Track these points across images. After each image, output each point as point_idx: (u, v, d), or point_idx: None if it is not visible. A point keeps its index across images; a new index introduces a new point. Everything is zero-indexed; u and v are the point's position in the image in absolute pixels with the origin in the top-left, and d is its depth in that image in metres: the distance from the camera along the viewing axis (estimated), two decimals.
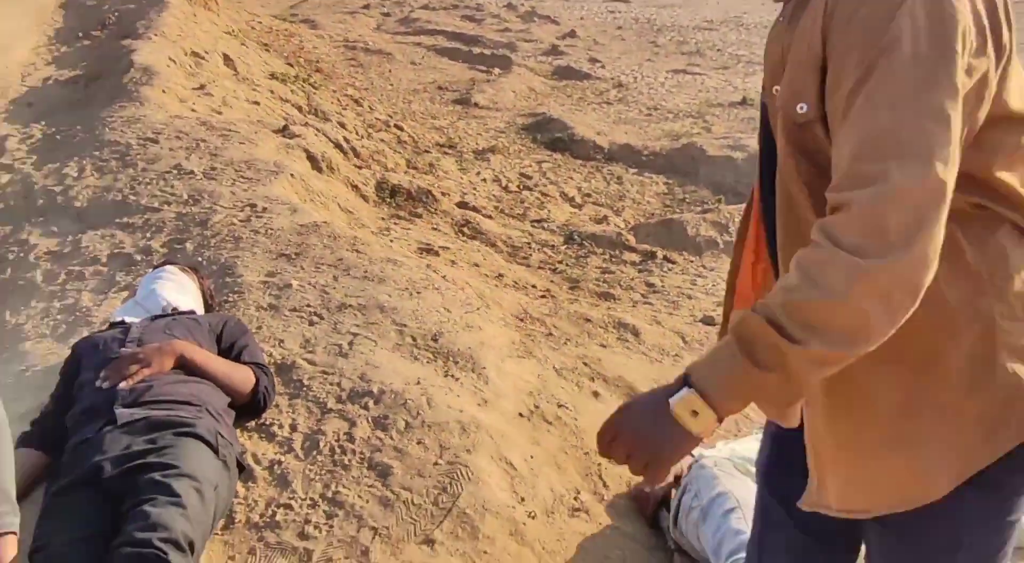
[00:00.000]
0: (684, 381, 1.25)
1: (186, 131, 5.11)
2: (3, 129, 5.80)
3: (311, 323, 3.27)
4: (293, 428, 2.80)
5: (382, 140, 8.33)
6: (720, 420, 1.25)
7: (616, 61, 13.15)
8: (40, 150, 5.38)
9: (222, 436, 2.50)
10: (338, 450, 2.69)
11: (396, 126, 8.86)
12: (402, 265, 3.67)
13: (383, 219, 5.09)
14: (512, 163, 8.46)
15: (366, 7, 18.98)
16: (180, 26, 8.42)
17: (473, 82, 11.98)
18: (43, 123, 5.91)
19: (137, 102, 5.70)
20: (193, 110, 5.93)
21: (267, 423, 2.81)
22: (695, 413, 1.23)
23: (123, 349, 2.66)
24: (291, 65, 11.01)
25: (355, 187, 5.41)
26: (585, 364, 3.55)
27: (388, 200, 5.51)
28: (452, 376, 3.08)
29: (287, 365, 3.03)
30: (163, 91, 5.98)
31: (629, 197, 7.53)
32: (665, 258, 5.04)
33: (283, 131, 5.48)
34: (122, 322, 2.99)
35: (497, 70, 12.67)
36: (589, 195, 7.54)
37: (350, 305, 3.36)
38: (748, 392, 1.24)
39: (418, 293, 3.50)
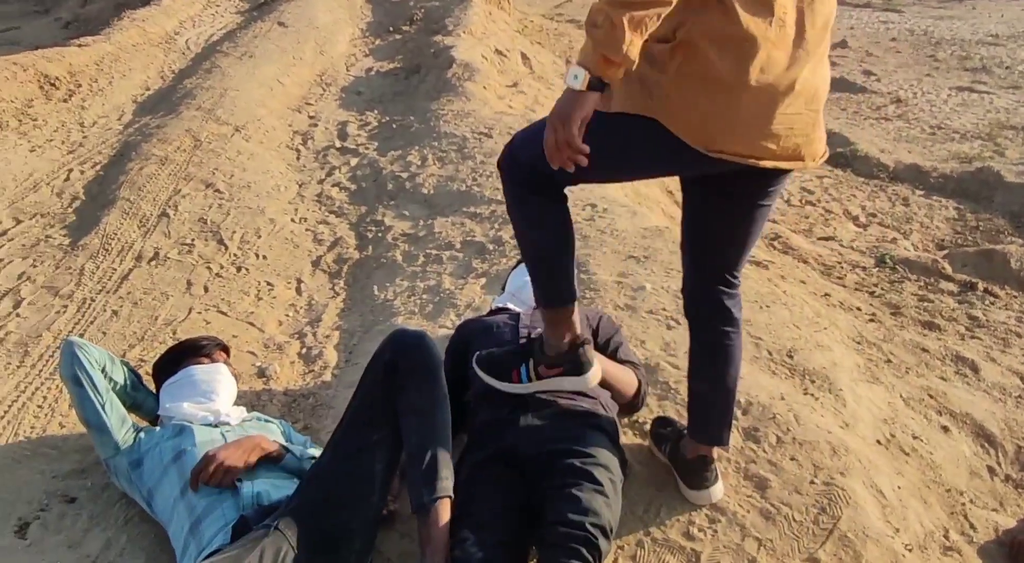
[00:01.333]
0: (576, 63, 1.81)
1: (515, 128, 5.34)
2: (341, 115, 6.28)
3: (668, 327, 3.35)
4: None
5: None
6: (590, 78, 1.77)
7: (892, 74, 12.55)
8: (379, 137, 5.78)
9: (617, 430, 2.62)
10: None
11: None
12: (747, 277, 3.69)
13: None
14: (792, 177, 8.27)
15: None
16: (483, 24, 8.79)
17: None
18: (376, 111, 6.35)
19: (463, 97, 6.01)
20: (510, 107, 6.18)
21: (639, 421, 2.91)
22: (575, 77, 1.78)
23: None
24: (569, 64, 11.24)
25: (670, 192, 5.48)
26: (931, 396, 3.44)
27: None
28: (811, 395, 3.07)
29: (651, 366, 3.12)
30: (484, 87, 6.28)
31: (916, 220, 7.18)
32: (986, 291, 4.79)
33: None
34: (506, 309, 3.17)
35: None
36: (874, 215, 7.25)
37: None
38: (595, 48, 1.74)
39: (767, 307, 3.51)
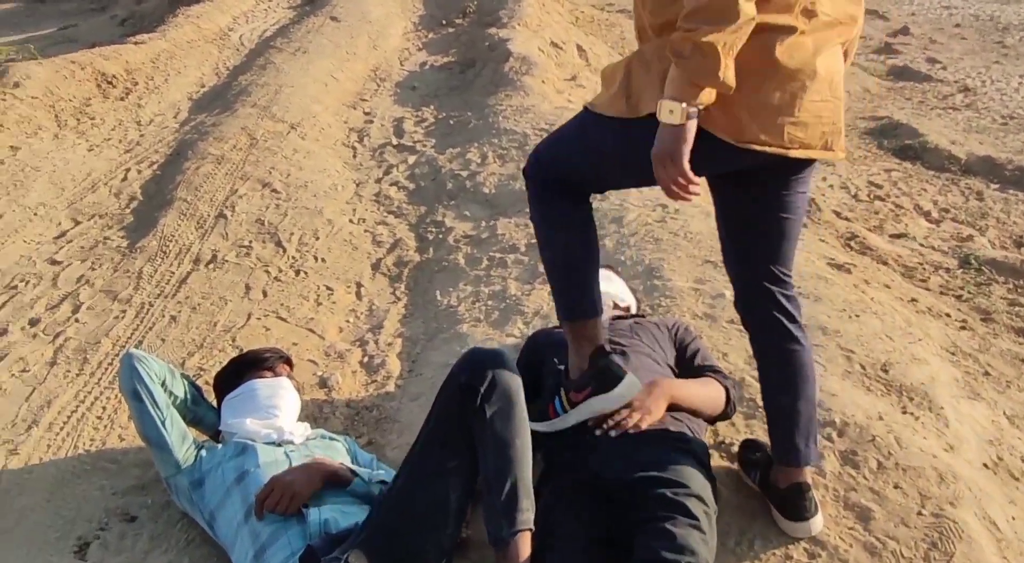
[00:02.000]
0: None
1: None
2: (397, 111, 6.13)
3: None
4: None
5: None
6: (688, 110, 1.75)
7: (958, 62, 12.10)
8: (436, 133, 5.61)
9: (708, 457, 2.42)
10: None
11: None
12: (833, 284, 3.47)
13: None
14: (859, 170, 7.95)
15: None
16: (538, 16, 8.59)
17: None
18: (432, 106, 6.19)
19: (522, 92, 5.82)
20: (570, 101, 5.98)
21: (726, 442, 2.72)
22: (671, 112, 1.76)
23: None
24: (621, 56, 10.99)
25: None
26: None
27: None
28: (911, 414, 2.84)
29: (735, 381, 2.91)
30: (542, 81, 6.09)
31: (992, 215, 6.84)
32: None
33: None
34: None
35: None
36: (947, 210, 6.92)
37: None
38: (689, 78, 1.74)
39: (857, 316, 3.27)
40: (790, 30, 1.83)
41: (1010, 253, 5.17)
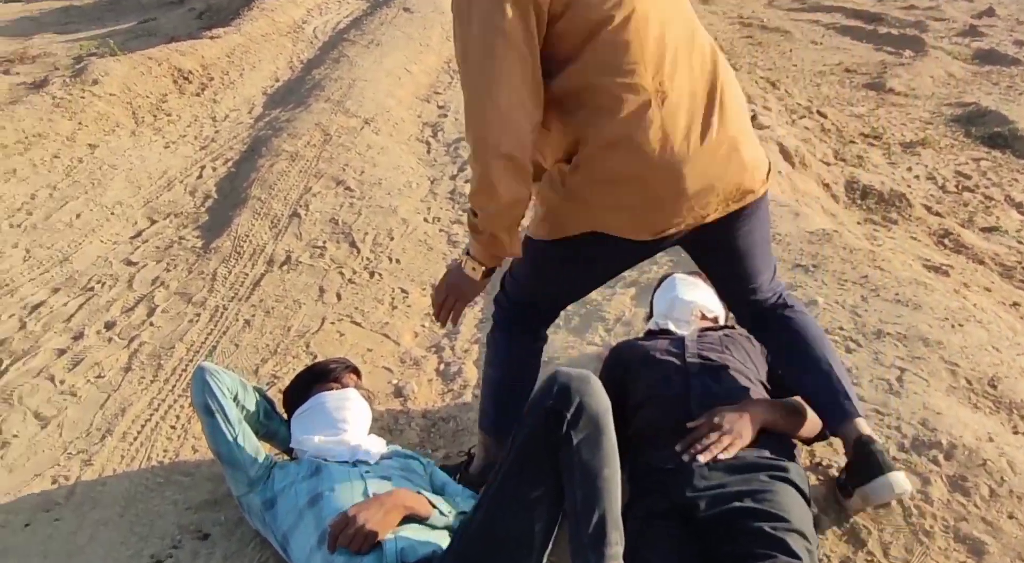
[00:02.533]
0: (466, 252, 2.06)
1: None
2: None
3: (848, 349, 2.92)
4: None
5: (806, 128, 7.79)
6: (486, 270, 2.05)
7: None
8: None
9: (807, 484, 2.23)
10: (915, 511, 2.33)
11: (819, 113, 8.26)
12: (932, 289, 3.22)
13: (860, 224, 4.63)
14: (945, 159, 7.57)
15: None
16: None
17: (884, 65, 10.97)
18: None
19: None
20: None
21: (823, 464, 2.52)
22: (473, 269, 2.04)
23: (697, 412, 2.37)
24: None
25: (826, 185, 4.99)
26: None
27: (859, 202, 5.03)
28: (1023, 433, 2.61)
29: None
30: None
31: None
32: None
33: (751, 121, 5.16)
34: (667, 331, 2.81)
35: (908, 52, 11.53)
36: None
37: (888, 333, 2.97)
38: (483, 249, 1.99)
39: (960, 325, 3.03)
40: (652, 122, 1.85)
41: None
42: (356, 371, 2.78)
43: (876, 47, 12.26)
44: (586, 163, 1.91)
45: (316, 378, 2.68)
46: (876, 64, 11.17)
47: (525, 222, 2.15)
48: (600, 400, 2.05)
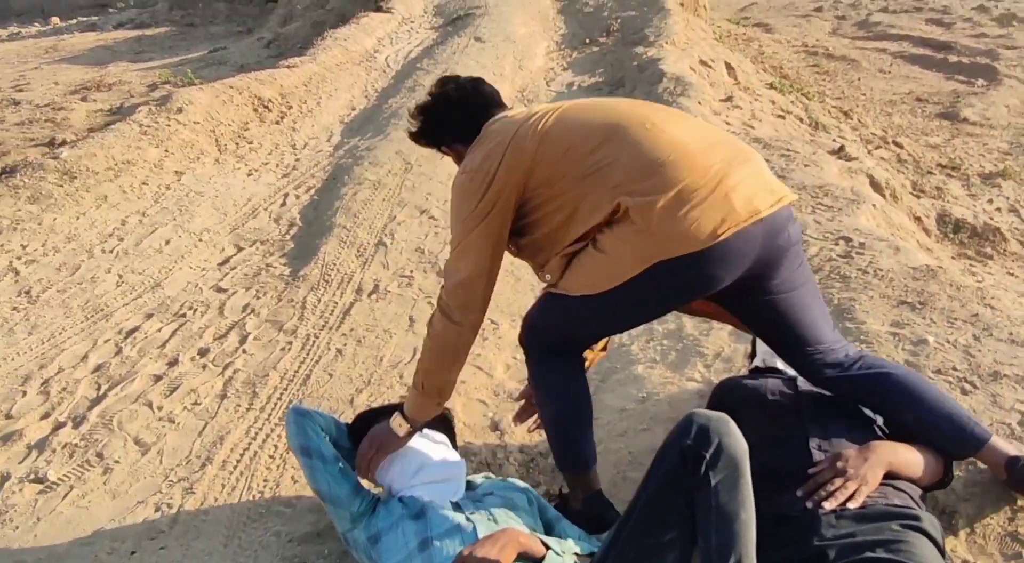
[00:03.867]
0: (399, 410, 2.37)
1: None
2: None
3: (963, 391, 2.80)
4: (974, 520, 2.37)
5: (882, 158, 7.64)
6: (409, 430, 2.37)
7: None
8: None
9: (942, 534, 2.12)
10: None
11: (895, 143, 8.10)
12: None
13: (954, 259, 4.50)
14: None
15: (818, 9, 18.03)
16: (684, 33, 8.30)
17: (956, 94, 10.76)
18: None
19: None
20: (728, 124, 5.69)
21: (948, 511, 2.40)
22: (399, 426, 2.36)
23: (817, 455, 2.28)
24: (763, 71, 10.58)
25: (918, 219, 4.86)
26: None
27: (951, 236, 4.89)
28: None
29: None
30: (699, 102, 5.80)
31: None
32: None
33: (839, 152, 5.06)
34: (775, 370, 2.73)
35: (981, 81, 11.29)
36: None
37: (1005, 375, 2.84)
38: (412, 409, 2.36)
39: None
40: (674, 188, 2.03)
41: None
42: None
43: (947, 76, 12.03)
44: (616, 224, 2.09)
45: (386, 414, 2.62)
46: (948, 93, 10.96)
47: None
48: (739, 442, 1.98)
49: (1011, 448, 2.25)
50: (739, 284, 2.13)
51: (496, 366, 3.55)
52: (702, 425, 1.95)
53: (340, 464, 2.39)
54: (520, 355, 3.56)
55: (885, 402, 2.33)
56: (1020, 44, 13.42)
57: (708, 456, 1.91)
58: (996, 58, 12.52)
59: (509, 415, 3.20)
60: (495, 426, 3.17)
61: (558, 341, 2.39)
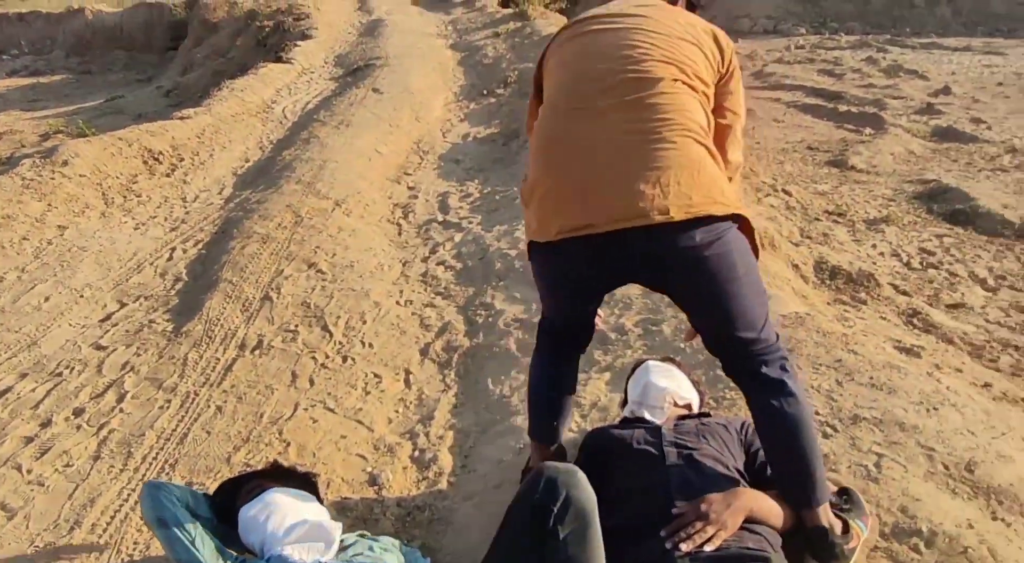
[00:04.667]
0: None
1: None
2: (441, 185, 6.05)
3: (825, 435, 2.96)
4: None
5: (772, 206, 7.96)
6: None
7: (1003, 122, 11.91)
8: (482, 210, 5.52)
9: None
10: None
11: (783, 191, 8.46)
12: (907, 373, 3.28)
13: (830, 304, 4.72)
14: (909, 236, 7.76)
15: None
16: None
17: (845, 143, 11.30)
18: (476, 180, 6.11)
19: None
20: None
21: None
22: None
23: (679, 504, 2.38)
24: None
25: (796, 266, 5.09)
26: None
27: (828, 282, 5.14)
28: (1002, 520, 2.64)
29: None
30: None
31: None
32: None
33: None
34: (642, 419, 2.84)
35: (869, 130, 11.89)
36: (1003, 277, 6.71)
37: (864, 418, 3.02)
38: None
39: (935, 409, 3.09)
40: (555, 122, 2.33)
41: None
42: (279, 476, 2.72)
43: (837, 125, 12.61)
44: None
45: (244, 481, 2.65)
46: (837, 141, 11.49)
47: None
48: (588, 495, 2.08)
49: (825, 519, 2.34)
50: (639, 279, 2.33)
51: (377, 421, 3.59)
52: (550, 478, 2.05)
53: (199, 530, 2.39)
54: (402, 409, 3.63)
55: (762, 426, 2.39)
56: (905, 94, 14.17)
57: (556, 509, 2.00)
58: (883, 108, 13.19)
59: (388, 469, 3.25)
60: (373, 480, 3.20)
61: (543, 320, 2.68)
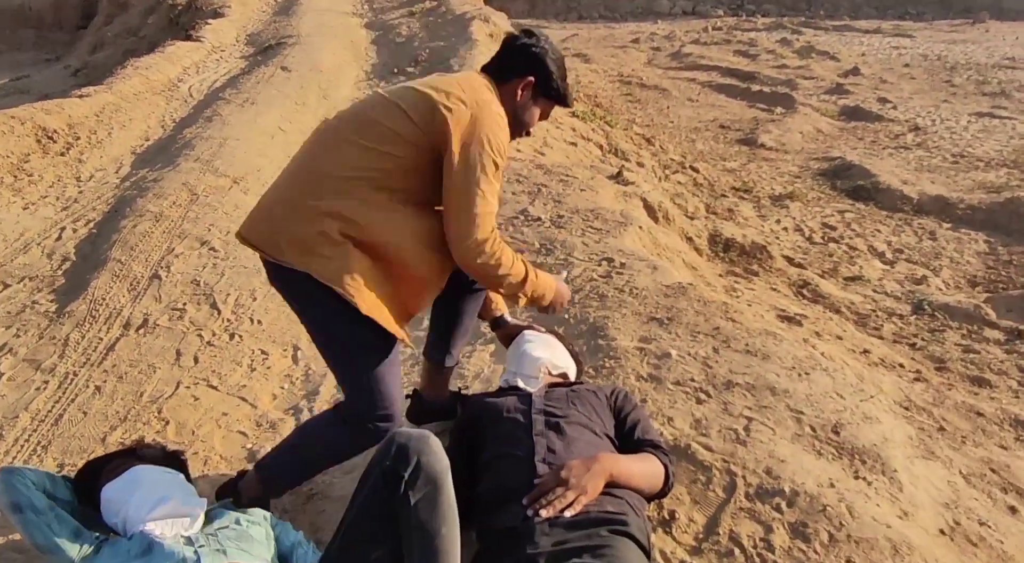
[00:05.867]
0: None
1: (525, 175, 5.01)
2: None
3: (698, 400, 3.00)
4: (696, 523, 2.54)
5: (679, 182, 8.06)
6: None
7: (908, 101, 12.26)
8: None
9: (648, 538, 2.26)
10: (757, 559, 2.39)
11: (691, 168, 8.57)
12: (782, 340, 3.34)
13: (721, 276, 4.79)
14: (813, 211, 7.95)
15: (635, 42, 18.88)
16: None
17: (756, 121, 11.50)
18: None
19: None
20: (519, 152, 5.87)
21: (669, 518, 2.56)
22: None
23: (541, 469, 2.39)
24: (575, 101, 10.97)
25: (689, 239, 5.14)
26: (993, 471, 3.08)
27: (722, 254, 5.21)
28: (863, 479, 2.71)
29: (681, 448, 2.77)
30: None
31: (945, 255, 6.84)
32: None
33: (617, 177, 5.31)
34: (516, 388, 2.84)
35: (780, 109, 12.12)
36: (901, 251, 6.92)
37: (737, 383, 3.06)
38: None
39: (807, 374, 3.16)
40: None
41: (963, 297, 5.11)
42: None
43: (749, 104, 12.83)
44: None
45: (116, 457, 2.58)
46: (749, 121, 11.69)
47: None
48: (439, 459, 2.06)
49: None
50: None
51: (261, 397, 3.53)
52: (401, 445, 2.03)
53: (55, 512, 2.31)
54: (288, 386, 3.57)
55: None
56: (816, 74, 14.46)
57: (407, 476, 1.98)
58: (794, 88, 13.44)
59: (268, 445, 3.19)
60: (252, 457, 3.14)
61: None
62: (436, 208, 2.33)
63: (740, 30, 20.33)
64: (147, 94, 8.61)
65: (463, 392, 3.17)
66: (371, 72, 9.60)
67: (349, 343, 2.34)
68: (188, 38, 11.77)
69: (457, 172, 2.23)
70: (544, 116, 2.58)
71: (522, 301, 2.48)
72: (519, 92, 2.45)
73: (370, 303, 2.22)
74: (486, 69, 2.52)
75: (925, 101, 12.32)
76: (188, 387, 3.57)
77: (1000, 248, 6.97)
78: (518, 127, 2.50)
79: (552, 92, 2.50)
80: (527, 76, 2.44)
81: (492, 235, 2.28)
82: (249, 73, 9.23)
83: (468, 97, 2.29)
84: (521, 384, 2.83)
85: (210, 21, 13.09)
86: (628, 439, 2.58)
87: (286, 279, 2.30)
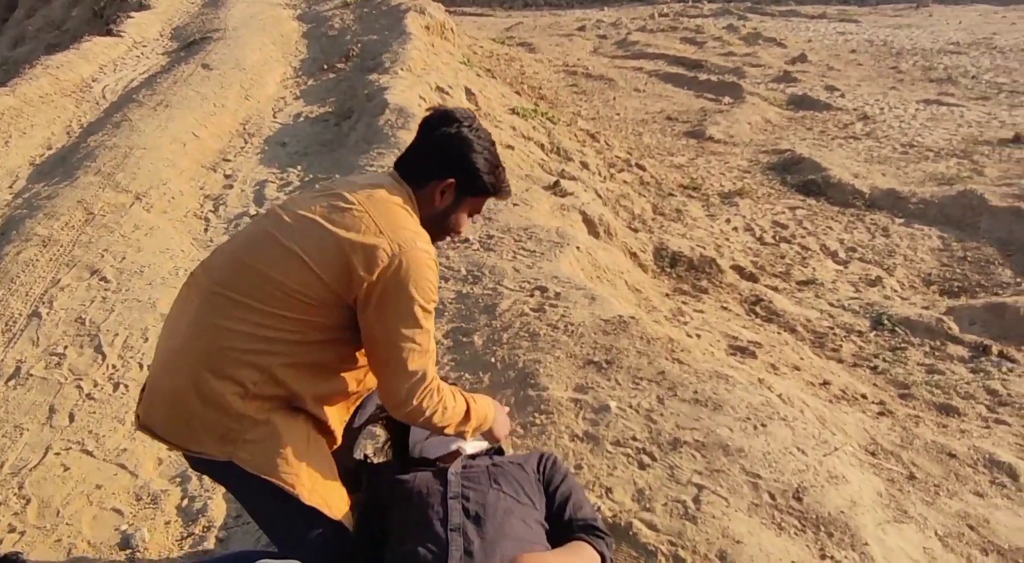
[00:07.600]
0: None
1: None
2: (261, 172, 5.46)
3: (641, 464, 2.60)
4: None
5: (625, 182, 7.66)
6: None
7: (856, 89, 11.99)
8: None
9: None
10: None
11: (638, 165, 8.17)
12: (735, 384, 2.95)
13: (668, 296, 4.39)
14: (763, 209, 7.60)
15: (581, 29, 18.49)
16: (423, 59, 8.02)
17: (704, 112, 11.16)
18: (299, 167, 5.55)
19: (396, 149, 5.22)
20: None
21: None
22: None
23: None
24: (519, 93, 10.55)
25: (634, 254, 4.73)
26: (971, 528, 2.72)
27: (668, 270, 4.81)
28: (831, 558, 2.32)
29: (622, 527, 2.37)
30: None
31: (899, 253, 6.55)
32: (1002, 355, 4.09)
33: (555, 188, 4.87)
34: (429, 461, 2.41)
35: (727, 99, 11.80)
36: (854, 249, 6.61)
37: (685, 441, 2.66)
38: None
39: (763, 426, 2.76)
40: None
41: (923, 309, 4.76)
42: None
43: (697, 94, 12.50)
44: None
45: None
46: (697, 111, 11.34)
47: None
48: None
49: None
50: None
51: (144, 462, 3.06)
52: None
53: None
54: (174, 454, 3.09)
55: None
56: (764, 62, 14.17)
57: None
58: (742, 76, 13.14)
59: (146, 527, 2.73)
60: (126, 542, 2.68)
61: None
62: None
63: (687, 16, 20.02)
64: (55, 96, 7.98)
65: (370, 460, 2.74)
66: (299, 69, 9.04)
67: (300, 540, 2.02)
68: (108, 33, 11.10)
69: (380, 331, 1.89)
70: (475, 212, 2.12)
71: (467, 435, 2.25)
72: (437, 196, 2.00)
73: (310, 487, 1.94)
74: (400, 165, 2.07)
75: (873, 88, 12.07)
76: (58, 453, 3.08)
77: (954, 243, 6.70)
78: (440, 233, 2.07)
79: (480, 190, 2.05)
80: (446, 179, 2.00)
81: (428, 390, 1.99)
82: (168, 72, 8.62)
83: (387, 237, 1.86)
84: (433, 455, 2.42)
85: (133, 14, 12.40)
86: (558, 520, 2.18)
87: (209, 467, 1.95)
